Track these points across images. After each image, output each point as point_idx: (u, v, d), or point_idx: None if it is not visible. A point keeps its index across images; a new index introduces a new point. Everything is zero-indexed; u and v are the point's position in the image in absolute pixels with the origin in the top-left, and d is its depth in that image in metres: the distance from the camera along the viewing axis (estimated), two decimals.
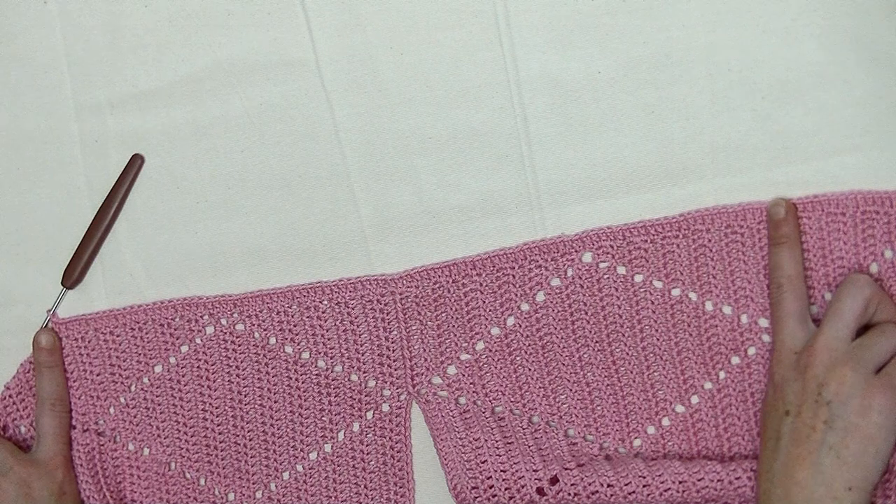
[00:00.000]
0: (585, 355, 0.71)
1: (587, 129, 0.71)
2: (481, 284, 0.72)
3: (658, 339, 0.70)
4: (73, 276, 0.77)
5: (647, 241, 0.70)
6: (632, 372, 0.70)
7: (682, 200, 0.70)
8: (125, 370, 0.77)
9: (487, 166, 0.73)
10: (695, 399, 0.70)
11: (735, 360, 0.69)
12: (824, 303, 0.67)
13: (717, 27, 0.69)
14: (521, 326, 0.72)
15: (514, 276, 0.72)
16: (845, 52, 0.67)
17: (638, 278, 0.70)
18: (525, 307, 0.72)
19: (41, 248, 0.78)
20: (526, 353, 0.72)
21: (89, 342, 0.77)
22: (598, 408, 0.71)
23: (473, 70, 0.72)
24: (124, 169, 0.76)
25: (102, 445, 0.77)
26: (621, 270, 0.70)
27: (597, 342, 0.71)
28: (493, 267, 0.72)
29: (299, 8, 0.74)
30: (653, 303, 0.70)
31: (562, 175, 0.72)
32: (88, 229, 0.77)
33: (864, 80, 0.67)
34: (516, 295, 0.71)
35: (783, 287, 0.65)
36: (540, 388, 0.72)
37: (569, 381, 0.71)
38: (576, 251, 0.71)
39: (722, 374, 0.69)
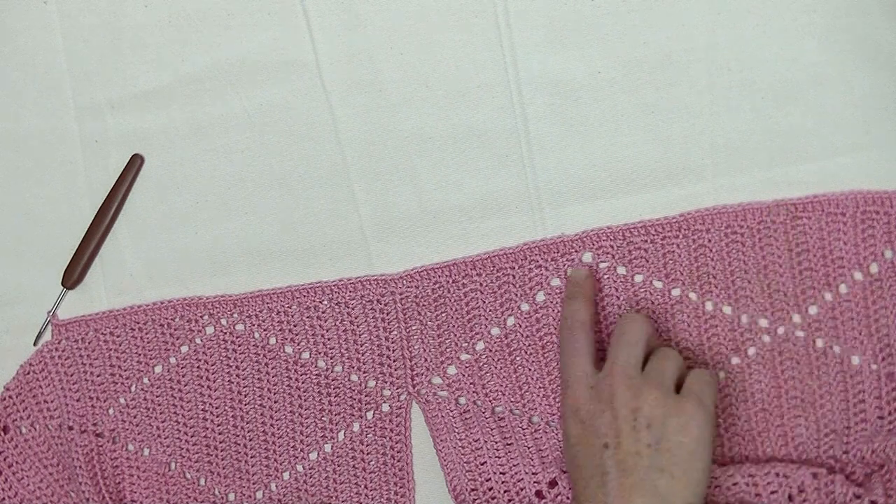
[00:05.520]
0: None
1: (587, 129, 0.71)
2: (481, 284, 0.72)
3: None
4: (73, 276, 0.77)
5: (647, 241, 0.70)
6: None
7: (682, 200, 0.70)
8: (125, 371, 0.77)
9: (487, 166, 0.73)
10: None
11: (735, 360, 0.69)
12: (824, 303, 0.68)
13: (717, 27, 0.69)
14: (521, 326, 0.72)
15: (514, 276, 0.72)
16: (845, 52, 0.67)
17: (638, 278, 0.70)
18: (525, 307, 0.72)
19: (41, 248, 0.78)
20: (526, 353, 0.72)
21: (89, 343, 0.77)
22: None
23: (473, 70, 0.72)
24: (124, 169, 0.76)
25: (101, 446, 0.77)
26: (621, 270, 0.70)
27: (597, 342, 0.71)
28: (493, 267, 0.72)
29: (299, 8, 0.74)
30: (653, 303, 0.70)
31: (562, 175, 0.72)
32: (88, 229, 0.77)
33: (864, 80, 0.67)
34: (516, 295, 0.71)
35: (575, 329, 0.66)
36: (540, 388, 0.72)
37: None
38: (576, 251, 0.71)
39: (722, 374, 0.69)
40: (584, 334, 0.66)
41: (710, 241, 0.69)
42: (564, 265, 0.71)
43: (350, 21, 0.73)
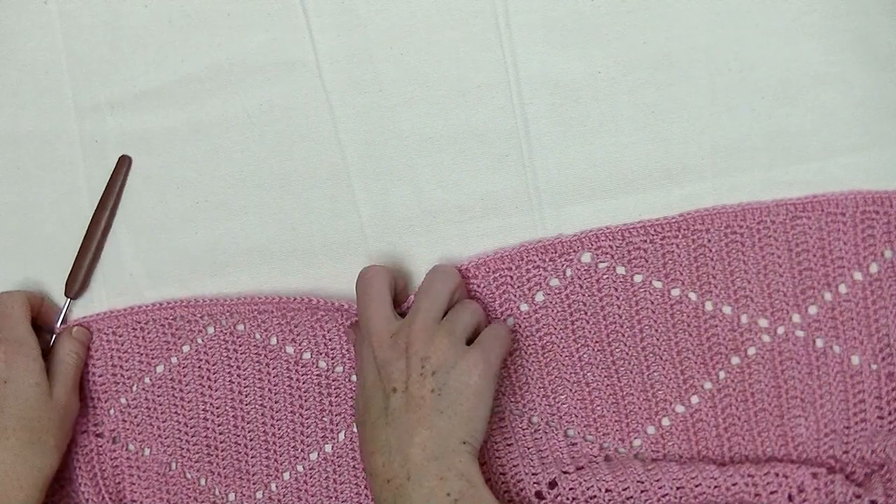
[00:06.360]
0: (585, 355, 0.71)
1: (587, 129, 0.71)
2: (480, 286, 0.72)
3: (658, 339, 0.70)
4: (74, 287, 0.76)
5: (646, 241, 0.70)
6: (631, 372, 0.70)
7: (681, 200, 0.70)
8: (127, 370, 0.77)
9: (487, 166, 0.73)
10: (695, 399, 0.70)
11: (735, 360, 0.69)
12: (824, 303, 0.68)
13: (717, 27, 0.69)
14: (520, 327, 0.72)
15: (512, 277, 0.71)
16: (845, 52, 0.67)
17: (637, 278, 0.70)
18: (524, 308, 0.72)
19: (41, 250, 0.78)
20: (525, 353, 0.72)
21: (90, 343, 0.77)
22: (598, 408, 0.71)
23: (473, 70, 0.72)
24: (112, 172, 0.76)
25: (101, 447, 0.77)
26: (620, 271, 0.70)
27: (596, 342, 0.71)
28: (492, 268, 0.72)
29: (299, 8, 0.74)
30: (652, 303, 0.70)
31: (562, 175, 0.72)
32: (84, 238, 0.76)
33: (864, 80, 0.67)
34: (515, 296, 0.71)
35: (374, 277, 0.69)
36: (540, 388, 0.72)
37: (568, 381, 0.71)
38: (575, 251, 0.71)
39: (722, 374, 0.69)
40: (383, 281, 0.69)
41: (710, 241, 0.69)
42: (563, 265, 0.71)
43: (350, 21, 0.73)
